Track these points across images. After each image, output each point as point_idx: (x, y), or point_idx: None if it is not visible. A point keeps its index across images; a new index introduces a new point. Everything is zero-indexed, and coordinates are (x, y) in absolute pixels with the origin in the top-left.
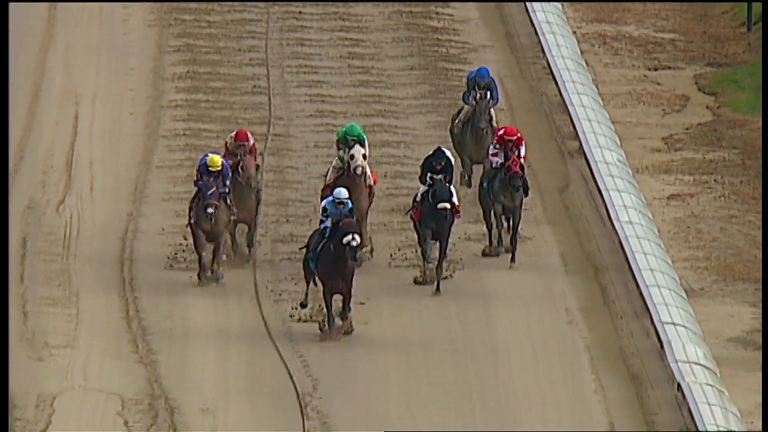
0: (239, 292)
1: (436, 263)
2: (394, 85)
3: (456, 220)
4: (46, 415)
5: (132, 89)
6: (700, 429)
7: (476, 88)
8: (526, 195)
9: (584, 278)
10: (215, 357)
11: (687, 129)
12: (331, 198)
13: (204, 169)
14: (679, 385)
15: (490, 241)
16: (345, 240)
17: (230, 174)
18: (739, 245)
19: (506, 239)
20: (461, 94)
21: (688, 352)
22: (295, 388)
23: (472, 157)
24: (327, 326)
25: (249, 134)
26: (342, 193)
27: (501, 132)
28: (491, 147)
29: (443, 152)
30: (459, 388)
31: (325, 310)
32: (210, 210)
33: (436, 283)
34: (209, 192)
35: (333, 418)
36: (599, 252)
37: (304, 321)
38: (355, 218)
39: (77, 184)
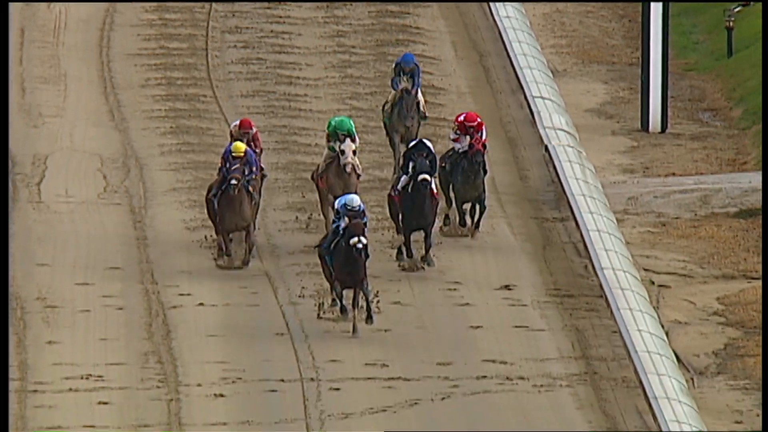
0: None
1: (421, 256)
2: None
3: (437, 204)
4: (40, 171)
5: None
6: (563, 182)
7: (401, 73)
8: (485, 174)
9: (471, 62)
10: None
11: None
12: (343, 202)
13: (227, 156)
14: (546, 146)
15: (447, 218)
16: (351, 242)
17: (256, 162)
18: (594, 35)
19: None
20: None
21: (554, 121)
22: None
23: (400, 135)
24: (342, 314)
25: (252, 122)
26: (354, 200)
27: (462, 118)
28: (451, 132)
29: (424, 143)
30: None
31: (337, 301)
32: (234, 182)
33: (421, 265)
34: (233, 168)
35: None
36: (483, 41)
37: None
38: (364, 220)
39: None
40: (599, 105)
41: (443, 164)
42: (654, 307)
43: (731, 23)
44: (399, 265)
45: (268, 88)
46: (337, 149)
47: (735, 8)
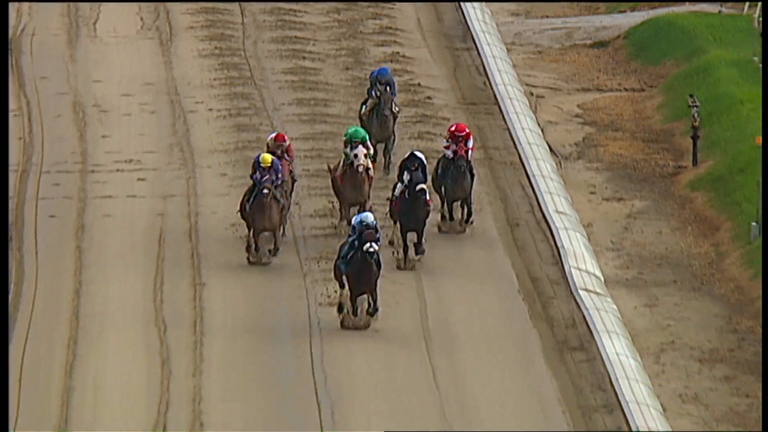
0: None
1: (415, 252)
2: None
3: (429, 210)
4: (95, 14)
5: None
6: (468, 22)
7: (378, 84)
8: (472, 178)
9: None
10: None
11: None
12: (359, 219)
13: (257, 165)
14: None
15: (443, 217)
16: (364, 247)
17: (281, 170)
18: None
19: (457, 214)
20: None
21: None
22: None
23: (377, 137)
24: (350, 319)
25: (285, 136)
26: (368, 217)
27: (452, 129)
28: (444, 141)
29: (416, 156)
30: None
31: (350, 306)
32: (265, 191)
33: (411, 262)
34: (264, 178)
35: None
36: None
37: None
38: (377, 235)
39: None
40: None
41: (437, 169)
42: (533, 111)
43: None
44: (396, 260)
45: None
46: (351, 155)
47: None
